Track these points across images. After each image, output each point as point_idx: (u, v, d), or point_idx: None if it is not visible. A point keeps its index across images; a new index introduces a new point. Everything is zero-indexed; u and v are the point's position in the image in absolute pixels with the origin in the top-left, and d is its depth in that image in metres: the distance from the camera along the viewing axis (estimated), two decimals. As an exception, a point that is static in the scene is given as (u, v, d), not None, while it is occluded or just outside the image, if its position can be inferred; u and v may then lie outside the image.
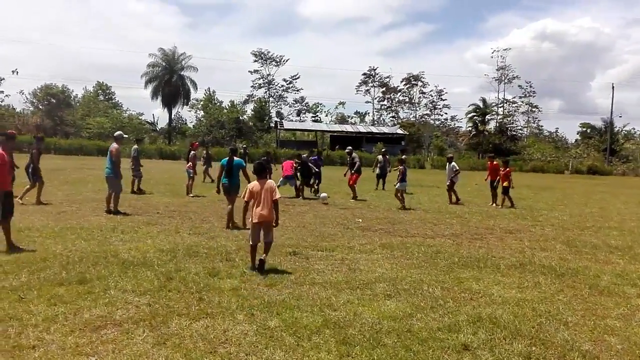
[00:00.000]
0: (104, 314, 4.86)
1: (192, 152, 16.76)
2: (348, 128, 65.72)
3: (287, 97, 79.13)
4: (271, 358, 3.99)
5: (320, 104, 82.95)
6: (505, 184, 15.59)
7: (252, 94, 76.56)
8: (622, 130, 71.34)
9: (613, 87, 70.87)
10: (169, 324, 4.66)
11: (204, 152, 22.48)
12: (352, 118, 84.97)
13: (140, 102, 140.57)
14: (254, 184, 6.85)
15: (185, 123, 78.08)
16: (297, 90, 78.70)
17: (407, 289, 6.07)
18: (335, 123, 77.39)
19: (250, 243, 6.80)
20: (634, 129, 77.69)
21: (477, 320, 5.01)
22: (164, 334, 4.43)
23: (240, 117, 67.95)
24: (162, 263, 6.82)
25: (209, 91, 72.25)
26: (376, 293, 5.85)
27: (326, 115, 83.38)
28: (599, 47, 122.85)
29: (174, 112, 68.44)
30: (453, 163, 16.60)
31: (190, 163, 16.15)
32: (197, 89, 66.05)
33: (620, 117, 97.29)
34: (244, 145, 31.36)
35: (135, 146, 16.77)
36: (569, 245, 9.43)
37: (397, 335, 4.51)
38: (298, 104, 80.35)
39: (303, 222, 11.20)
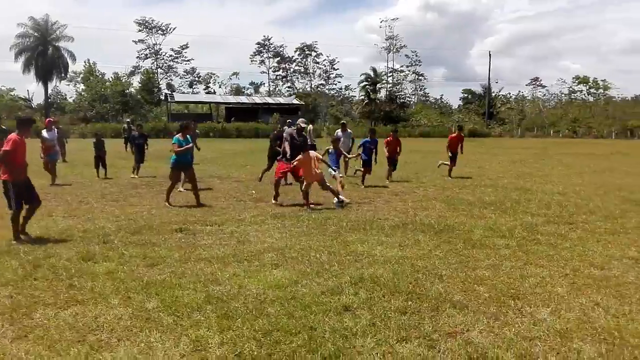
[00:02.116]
0: (-46, 312, 4.32)
1: (44, 130, 13.53)
2: (243, 99, 64.50)
3: (176, 68, 75.89)
4: (146, 341, 3.79)
5: (214, 75, 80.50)
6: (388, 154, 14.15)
7: (138, 65, 72.35)
8: (499, 95, 77.41)
9: (490, 55, 76.07)
10: (32, 315, 4.26)
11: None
12: (247, 89, 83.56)
13: (11, 77, 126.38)
14: (302, 157, 9.54)
15: (65, 98, 72.09)
16: (188, 61, 75.80)
17: (295, 257, 6.09)
18: (230, 94, 75.61)
19: (303, 190, 9.50)
20: (509, 93, 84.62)
21: (360, 280, 5.15)
22: (26, 326, 4.04)
23: (126, 90, 64.00)
24: (30, 250, 6.23)
25: (89, 63, 67.04)
26: (264, 263, 5.80)
27: (220, 87, 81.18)
28: (478, 16, 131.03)
29: (50, 86, 62.67)
30: (349, 130, 15.77)
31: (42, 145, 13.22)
32: (75, 60, 60.92)
33: (497, 82, 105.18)
34: (128, 120, 29.45)
35: None
36: (448, 204, 10.05)
37: (281, 304, 4.50)
38: (189, 75, 77.43)
39: (193, 197, 10.82)
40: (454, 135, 16.07)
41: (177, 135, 10.07)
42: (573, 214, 9.05)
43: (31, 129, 7.22)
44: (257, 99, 64.46)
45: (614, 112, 71.80)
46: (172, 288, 4.90)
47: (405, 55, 77.33)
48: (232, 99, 65.43)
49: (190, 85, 77.44)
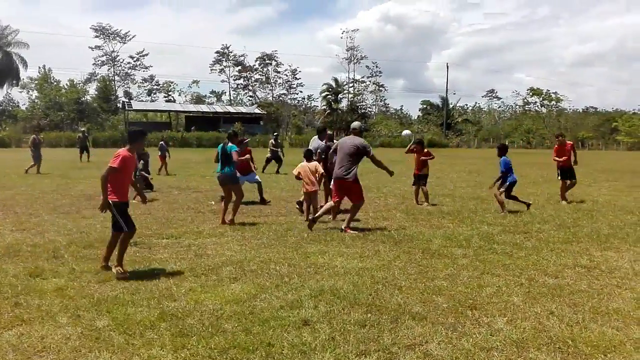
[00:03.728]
0: None
1: None
2: (204, 108, 63.77)
3: (134, 75, 74.41)
4: (95, 362, 3.61)
5: (173, 83, 79.30)
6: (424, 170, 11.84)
7: (95, 72, 70.61)
8: (456, 107, 79.36)
9: (448, 67, 77.73)
10: (-29, 338, 3.99)
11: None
12: (208, 98, 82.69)
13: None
14: (304, 164, 9.21)
15: (18, 105, 69.48)
16: (146, 68, 74.45)
17: (254, 270, 5.98)
18: (191, 103, 74.60)
19: (304, 206, 9.33)
20: (466, 104, 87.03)
21: (320, 293, 5.09)
22: (-37, 351, 3.78)
23: (82, 98, 62.27)
24: (-29, 267, 5.88)
25: (44, 69, 64.95)
26: (221, 278, 5.66)
27: (179, 95, 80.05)
28: (435, 29, 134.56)
29: (1, 93, 60.39)
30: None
31: None
32: (26, 67, 58.92)
33: (455, 94, 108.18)
34: (83, 129, 28.58)
35: None
36: (407, 214, 10.14)
37: (239, 319, 4.38)
38: (148, 83, 76.03)
39: (149, 208, 10.55)
40: (557, 146, 12.50)
41: (232, 144, 9.03)
42: (528, 223, 9.28)
43: (144, 143, 6.40)
44: (218, 108, 63.82)
45: (566, 123, 74.91)
46: (125, 305, 4.70)
47: (366, 66, 78.58)
48: (192, 107, 64.61)
49: (149, 94, 76.12)
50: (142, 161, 12.62)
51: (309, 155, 9.44)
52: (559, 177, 12.37)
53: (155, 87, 77.09)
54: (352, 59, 76.77)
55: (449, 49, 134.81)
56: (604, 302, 4.96)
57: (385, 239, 7.71)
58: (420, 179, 11.71)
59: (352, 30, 77.88)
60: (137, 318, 4.39)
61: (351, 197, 8.53)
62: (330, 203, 8.68)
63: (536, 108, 79.95)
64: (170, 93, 78.20)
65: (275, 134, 23.34)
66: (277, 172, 19.57)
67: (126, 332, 4.10)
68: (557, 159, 12.30)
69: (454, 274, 5.92)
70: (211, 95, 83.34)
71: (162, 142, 19.86)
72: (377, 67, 78.91)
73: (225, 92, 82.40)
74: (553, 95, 77.54)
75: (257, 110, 63.88)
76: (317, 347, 3.84)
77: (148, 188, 12.72)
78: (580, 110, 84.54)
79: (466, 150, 52.30)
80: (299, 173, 9.24)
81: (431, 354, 3.77)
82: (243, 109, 64.34)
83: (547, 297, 5.11)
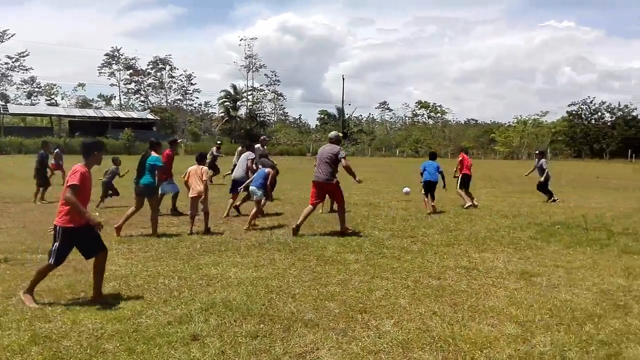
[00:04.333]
0: None
1: None
2: (90, 112, 59.81)
3: (12, 76, 68.04)
4: (-52, 398, 3.19)
5: (56, 86, 73.63)
6: None
7: (-35, 73, 63.57)
8: (352, 117, 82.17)
9: (343, 79, 79.95)
10: None
11: None
12: (96, 102, 77.78)
13: None
14: (193, 167, 9.00)
15: None
16: (26, 70, 68.41)
17: (140, 285, 5.67)
18: (76, 107, 69.65)
19: (190, 213, 8.96)
20: (361, 115, 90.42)
21: (211, 306, 4.94)
22: None
23: (-53, 100, 55.66)
24: None
25: None
26: (103, 294, 5.29)
27: (62, 99, 74.47)
28: (332, 42, 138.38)
29: None
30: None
31: None
32: None
33: (350, 105, 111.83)
34: None
35: None
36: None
37: (121, 338, 4.11)
38: (28, 85, 69.87)
39: (25, 221, 9.65)
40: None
41: (156, 154, 8.61)
42: (415, 227, 9.80)
43: (101, 156, 5.37)
44: (107, 113, 60.20)
45: (450, 134, 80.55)
46: (-11, 330, 4.22)
47: (265, 74, 78.86)
48: (77, 111, 60.43)
49: (29, 96, 69.95)
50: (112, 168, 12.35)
51: (200, 159, 9.29)
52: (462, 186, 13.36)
53: (36, 89, 71.13)
54: (251, 67, 76.70)
55: (346, 61, 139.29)
56: (481, 301, 5.34)
57: (281, 247, 7.71)
58: None
59: (251, 39, 77.67)
60: (4, 342, 3.95)
61: (336, 199, 9.45)
62: (309, 207, 8.94)
63: (424, 120, 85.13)
64: (52, 96, 72.57)
65: (218, 142, 23.15)
66: (210, 181, 18.90)
67: (-12, 360, 3.68)
68: (458, 173, 13.75)
69: (346, 279, 6.05)
70: (99, 99, 78.64)
71: (57, 149, 18.25)
72: (275, 75, 79.66)
73: (115, 96, 78.18)
74: (439, 108, 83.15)
75: (149, 116, 61.21)
76: (206, 362, 3.71)
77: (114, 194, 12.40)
78: (463, 122, 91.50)
79: (361, 159, 54.17)
80: (187, 176, 9.02)
81: (321, 361, 3.81)
82: (134, 114, 61.24)
83: (431, 297, 5.40)
